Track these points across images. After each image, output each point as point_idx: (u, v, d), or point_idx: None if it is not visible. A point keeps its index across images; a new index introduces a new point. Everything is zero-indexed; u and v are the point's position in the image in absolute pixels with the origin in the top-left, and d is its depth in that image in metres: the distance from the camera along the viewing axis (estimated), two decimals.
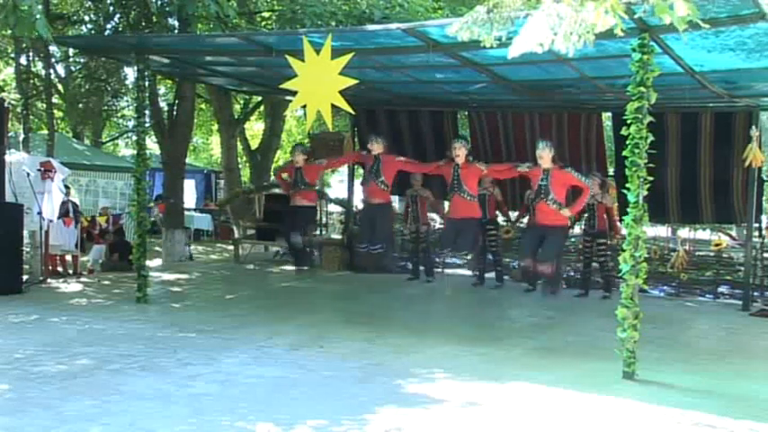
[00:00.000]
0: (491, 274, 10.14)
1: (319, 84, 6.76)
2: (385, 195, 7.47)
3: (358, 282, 8.56)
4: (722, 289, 10.42)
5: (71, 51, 18.34)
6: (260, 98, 16.87)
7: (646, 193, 5.74)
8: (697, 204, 10.69)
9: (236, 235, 14.74)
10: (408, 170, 8.66)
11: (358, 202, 15.07)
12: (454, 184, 6.97)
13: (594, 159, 11.21)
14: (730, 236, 12.46)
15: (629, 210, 5.72)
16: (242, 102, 19.39)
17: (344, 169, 15.07)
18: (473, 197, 6.98)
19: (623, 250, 5.72)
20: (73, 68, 19.64)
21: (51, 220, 10.17)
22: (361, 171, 14.10)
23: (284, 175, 8.73)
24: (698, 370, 6.06)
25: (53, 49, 15.95)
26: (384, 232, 7.47)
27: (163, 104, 16.14)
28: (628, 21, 4.47)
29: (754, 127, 9.28)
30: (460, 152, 6.96)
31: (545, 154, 6.46)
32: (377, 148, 7.47)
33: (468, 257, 6.92)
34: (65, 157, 13.98)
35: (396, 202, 11.46)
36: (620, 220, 7.15)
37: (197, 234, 18.12)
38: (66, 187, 11.70)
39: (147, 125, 10.25)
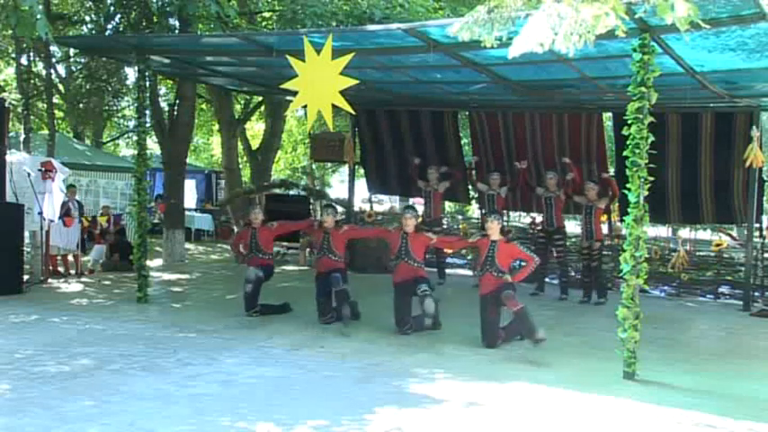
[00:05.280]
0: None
1: (320, 84, 6.76)
2: (338, 264, 7.55)
3: (358, 282, 8.52)
4: (723, 289, 10.42)
5: (72, 51, 18.37)
6: (260, 98, 16.86)
7: (646, 193, 5.74)
8: (698, 204, 10.68)
9: None
10: (354, 237, 8.73)
11: (358, 203, 15.10)
12: (401, 252, 7.13)
13: (595, 159, 11.20)
14: (731, 236, 12.44)
15: (629, 210, 5.73)
16: (242, 102, 19.39)
17: (345, 169, 15.05)
18: (420, 264, 7.17)
19: (624, 250, 5.73)
20: (74, 68, 19.65)
21: (52, 221, 10.16)
22: (361, 171, 14.16)
23: (241, 247, 8.17)
24: (698, 370, 6.06)
25: (54, 49, 15.94)
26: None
27: (163, 105, 16.12)
28: (628, 21, 4.47)
29: (754, 127, 9.28)
30: (410, 222, 7.14)
31: (494, 225, 6.60)
32: (329, 221, 7.53)
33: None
34: (65, 157, 13.97)
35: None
36: (621, 221, 7.15)
37: (198, 234, 18.12)
38: (72, 186, 11.69)
39: (147, 125, 10.26)
